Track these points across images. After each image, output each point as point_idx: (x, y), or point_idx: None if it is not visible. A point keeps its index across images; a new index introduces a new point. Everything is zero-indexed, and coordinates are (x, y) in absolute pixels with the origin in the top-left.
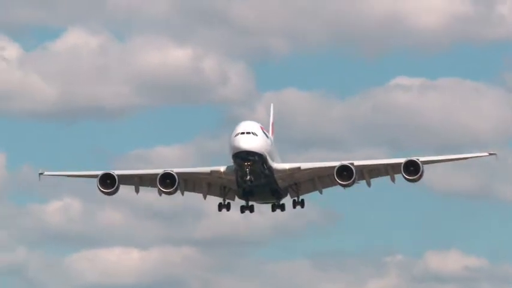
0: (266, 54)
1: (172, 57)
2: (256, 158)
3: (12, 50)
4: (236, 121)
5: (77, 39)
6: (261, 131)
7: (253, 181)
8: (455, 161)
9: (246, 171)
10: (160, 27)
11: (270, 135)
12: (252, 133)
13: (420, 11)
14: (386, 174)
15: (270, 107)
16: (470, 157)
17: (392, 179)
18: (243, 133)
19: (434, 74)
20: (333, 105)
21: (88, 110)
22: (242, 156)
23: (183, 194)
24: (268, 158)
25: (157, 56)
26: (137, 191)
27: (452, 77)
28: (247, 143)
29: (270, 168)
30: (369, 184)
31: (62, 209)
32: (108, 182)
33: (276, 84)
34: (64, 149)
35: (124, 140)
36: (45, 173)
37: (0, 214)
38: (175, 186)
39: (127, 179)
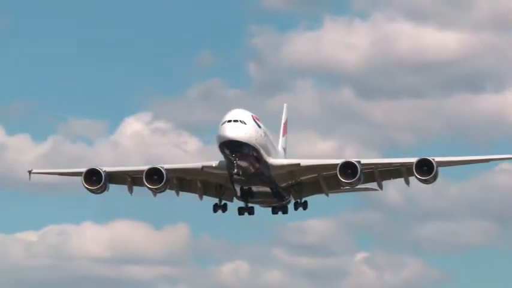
0: (394, 145)
1: (319, 148)
2: (245, 149)
3: (192, 144)
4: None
5: None
6: (252, 120)
7: (240, 175)
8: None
9: (234, 164)
10: (310, 124)
11: (263, 126)
12: (240, 121)
13: None
14: (400, 176)
15: (283, 108)
16: (493, 159)
17: (407, 182)
18: (230, 121)
19: None
20: (449, 186)
21: None
22: (228, 147)
23: (178, 194)
24: (261, 150)
25: (308, 148)
26: (130, 191)
27: None
28: (233, 132)
29: (264, 163)
30: (380, 187)
31: (233, 271)
32: (94, 179)
33: None
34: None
35: None
36: (34, 170)
37: (185, 275)
38: (163, 182)
39: (116, 177)
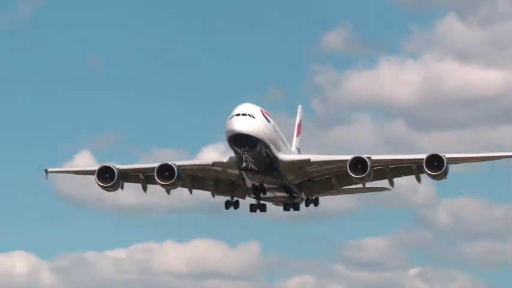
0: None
1: None
2: (253, 142)
3: None
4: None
5: None
6: (261, 114)
7: (249, 169)
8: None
9: (243, 158)
10: (366, 152)
11: (272, 120)
12: (249, 115)
13: None
14: (410, 173)
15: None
16: (503, 156)
17: (418, 179)
18: (238, 115)
19: None
20: (494, 208)
21: None
22: (236, 140)
23: (191, 191)
24: (270, 144)
25: None
26: (144, 189)
27: None
28: (241, 125)
29: (274, 158)
30: (392, 184)
31: (299, 284)
32: (107, 176)
33: (452, 193)
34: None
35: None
36: (49, 169)
37: None
38: (174, 178)
39: (130, 176)
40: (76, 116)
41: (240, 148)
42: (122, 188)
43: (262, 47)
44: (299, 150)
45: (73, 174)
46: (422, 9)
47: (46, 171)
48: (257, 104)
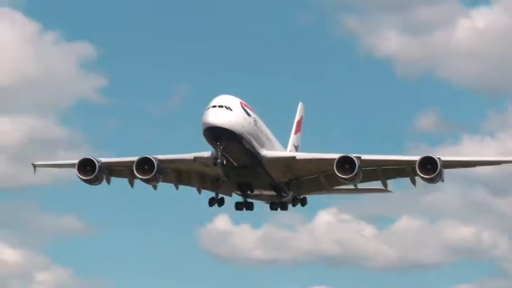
0: None
1: (461, 231)
2: (230, 136)
3: (368, 230)
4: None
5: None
6: (240, 106)
7: (225, 164)
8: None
9: (219, 152)
10: (453, 214)
11: (253, 113)
12: (226, 107)
13: None
14: (405, 175)
15: (298, 106)
16: (501, 161)
17: (413, 181)
18: (214, 107)
19: None
20: None
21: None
22: (211, 134)
23: (177, 187)
24: (250, 139)
25: (452, 231)
26: (131, 183)
27: None
28: (216, 118)
29: (255, 154)
30: (385, 185)
31: None
32: (89, 169)
33: None
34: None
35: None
36: (37, 162)
37: None
38: (153, 172)
39: (116, 170)
40: None
41: (216, 142)
42: (108, 182)
43: (361, 125)
44: (297, 148)
45: None
46: (498, 96)
47: (33, 165)
48: None
